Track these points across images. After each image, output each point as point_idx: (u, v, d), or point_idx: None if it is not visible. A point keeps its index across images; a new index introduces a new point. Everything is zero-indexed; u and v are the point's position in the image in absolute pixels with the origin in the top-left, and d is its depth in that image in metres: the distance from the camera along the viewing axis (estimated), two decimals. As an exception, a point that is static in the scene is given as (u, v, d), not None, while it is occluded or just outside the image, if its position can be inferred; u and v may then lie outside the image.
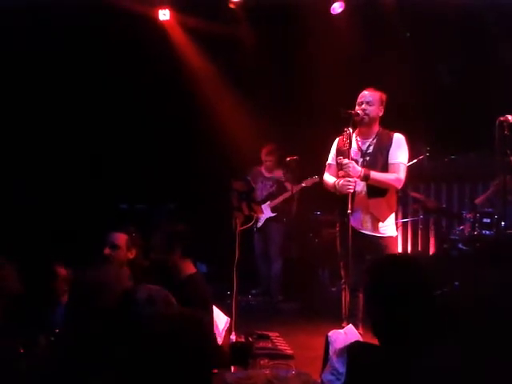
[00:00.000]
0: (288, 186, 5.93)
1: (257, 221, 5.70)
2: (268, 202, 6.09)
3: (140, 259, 3.42)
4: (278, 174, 6.13)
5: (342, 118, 3.76)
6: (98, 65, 6.50)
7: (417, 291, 1.61)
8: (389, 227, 3.81)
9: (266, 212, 6.04)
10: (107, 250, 3.37)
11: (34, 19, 6.07)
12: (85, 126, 6.57)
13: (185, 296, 1.97)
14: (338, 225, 3.96)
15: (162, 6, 6.60)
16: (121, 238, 3.39)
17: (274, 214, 6.09)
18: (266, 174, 6.21)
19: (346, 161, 3.69)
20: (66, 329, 1.30)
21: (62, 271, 3.06)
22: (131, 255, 3.40)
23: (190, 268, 2.97)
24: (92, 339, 1.19)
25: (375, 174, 3.70)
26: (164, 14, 6.63)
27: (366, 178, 3.69)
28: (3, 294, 2.22)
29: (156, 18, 6.62)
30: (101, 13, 6.13)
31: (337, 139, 4.00)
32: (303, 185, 5.84)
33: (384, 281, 1.66)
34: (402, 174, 3.76)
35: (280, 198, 6.04)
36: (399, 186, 3.82)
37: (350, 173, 3.65)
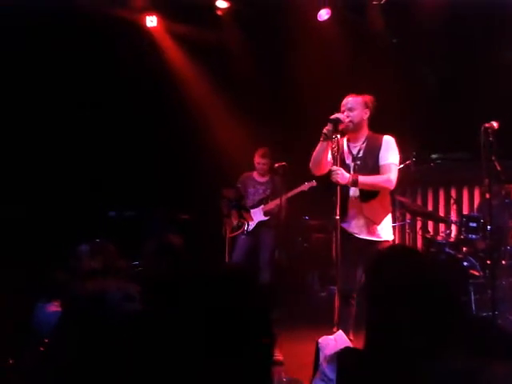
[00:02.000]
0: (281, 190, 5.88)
1: (248, 225, 5.66)
2: (261, 206, 5.98)
3: (111, 265, 3.40)
4: (272, 178, 6.02)
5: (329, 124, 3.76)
6: (85, 72, 6.46)
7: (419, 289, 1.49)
8: (385, 230, 3.77)
9: (259, 216, 5.93)
10: (71, 262, 3.43)
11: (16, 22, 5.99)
12: (71, 133, 6.51)
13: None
14: (334, 230, 3.77)
15: (149, 12, 6.62)
16: (82, 249, 3.47)
17: (266, 218, 5.91)
18: (259, 179, 6.05)
19: (334, 168, 3.70)
20: (59, 340, 1.29)
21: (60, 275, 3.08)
22: (95, 264, 3.40)
23: None
24: (86, 350, 1.20)
25: (363, 179, 3.68)
26: (151, 21, 6.64)
27: (354, 183, 3.68)
28: None
29: (143, 25, 6.63)
30: (87, 19, 6.11)
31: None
32: (301, 189, 5.71)
33: (384, 276, 1.56)
34: (393, 175, 3.72)
35: (273, 203, 5.81)
36: (391, 187, 3.77)
37: (339, 179, 3.66)
